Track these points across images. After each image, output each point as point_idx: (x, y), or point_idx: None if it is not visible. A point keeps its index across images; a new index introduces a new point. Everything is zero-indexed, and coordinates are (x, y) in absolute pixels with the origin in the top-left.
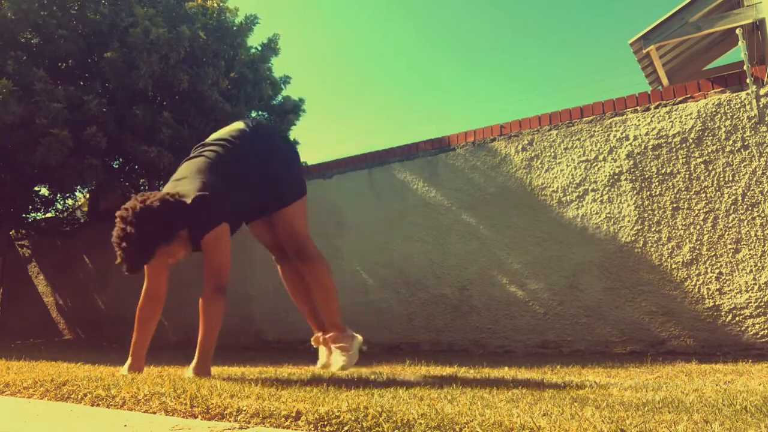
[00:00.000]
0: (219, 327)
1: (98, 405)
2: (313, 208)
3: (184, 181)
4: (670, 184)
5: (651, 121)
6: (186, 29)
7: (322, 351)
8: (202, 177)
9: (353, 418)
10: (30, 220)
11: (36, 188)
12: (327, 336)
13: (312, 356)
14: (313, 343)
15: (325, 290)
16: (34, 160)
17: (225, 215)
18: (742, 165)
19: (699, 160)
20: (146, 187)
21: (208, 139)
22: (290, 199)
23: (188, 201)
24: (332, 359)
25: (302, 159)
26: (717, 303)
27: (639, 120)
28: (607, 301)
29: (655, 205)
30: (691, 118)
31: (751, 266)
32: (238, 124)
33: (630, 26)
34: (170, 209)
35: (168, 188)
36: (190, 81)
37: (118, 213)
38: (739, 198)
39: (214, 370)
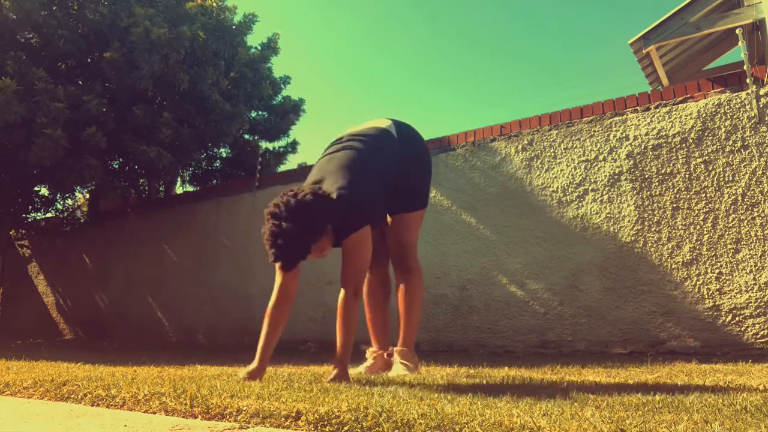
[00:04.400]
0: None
1: (98, 405)
2: None
3: (329, 176)
4: (670, 184)
5: (651, 121)
6: (186, 29)
7: (375, 360)
8: (348, 174)
9: (353, 418)
10: (30, 220)
11: (36, 188)
12: (396, 349)
13: (312, 356)
14: (368, 356)
15: (415, 304)
16: (29, 159)
17: (371, 217)
18: (742, 165)
19: (699, 160)
20: (146, 187)
21: (346, 134)
22: (413, 207)
23: (333, 197)
24: (394, 368)
25: (302, 159)
26: (717, 303)
27: (639, 120)
28: (607, 301)
29: (655, 205)
30: (691, 118)
31: (751, 266)
32: (383, 122)
33: (630, 26)
34: (323, 203)
35: (312, 181)
36: (190, 81)
37: (268, 210)
38: (739, 198)
39: (214, 370)
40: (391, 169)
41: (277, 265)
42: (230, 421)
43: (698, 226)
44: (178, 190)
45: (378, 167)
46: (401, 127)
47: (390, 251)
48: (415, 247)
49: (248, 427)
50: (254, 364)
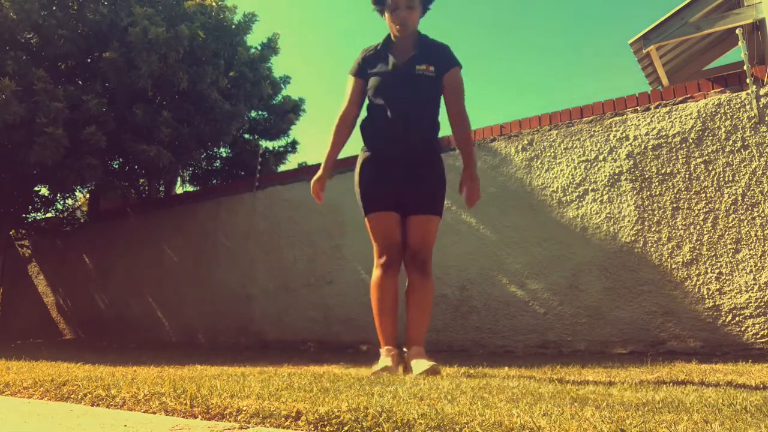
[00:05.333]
0: None
1: (98, 405)
2: (313, 208)
3: None
4: (670, 184)
5: (651, 121)
6: (185, 28)
7: (390, 359)
8: None
9: (353, 418)
10: (30, 220)
11: (36, 188)
12: (410, 350)
13: (312, 356)
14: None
15: (427, 308)
16: (30, 159)
17: None
18: (742, 165)
19: (699, 160)
20: (146, 187)
21: None
22: (442, 210)
23: None
24: (413, 365)
25: (302, 159)
26: (717, 303)
27: (639, 120)
28: (607, 301)
29: (655, 205)
30: (691, 118)
31: (751, 266)
32: None
33: (630, 26)
34: None
35: None
36: (189, 80)
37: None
38: (739, 198)
39: (213, 370)
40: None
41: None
42: (230, 421)
43: (698, 226)
44: (178, 190)
45: None
46: None
47: (414, 253)
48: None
49: (248, 427)
50: (319, 173)
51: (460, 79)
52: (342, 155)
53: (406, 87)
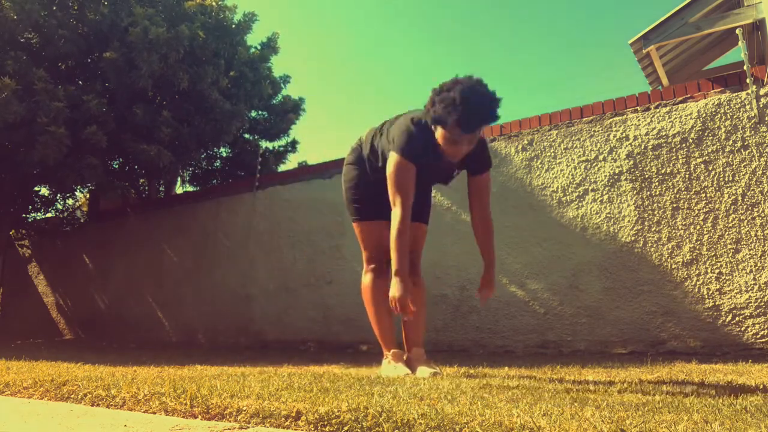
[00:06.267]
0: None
1: (98, 405)
2: (313, 208)
3: None
4: (670, 184)
5: (651, 121)
6: (185, 28)
7: (403, 364)
8: None
9: (353, 418)
10: (30, 220)
11: (36, 188)
12: (410, 353)
13: (312, 356)
14: (395, 357)
15: (423, 307)
16: (32, 158)
17: None
18: (742, 165)
19: (699, 160)
20: (146, 187)
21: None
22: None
23: None
24: (418, 372)
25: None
26: (717, 303)
27: (639, 120)
28: (607, 301)
29: (655, 205)
30: (691, 118)
31: (751, 266)
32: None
33: (630, 26)
34: None
35: None
36: (189, 80)
37: (445, 83)
38: (739, 198)
39: (213, 370)
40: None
41: (399, 201)
42: (230, 421)
43: (698, 226)
44: (178, 190)
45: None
46: None
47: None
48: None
49: (248, 427)
50: (400, 285)
51: (489, 180)
52: (341, 155)
53: (440, 175)
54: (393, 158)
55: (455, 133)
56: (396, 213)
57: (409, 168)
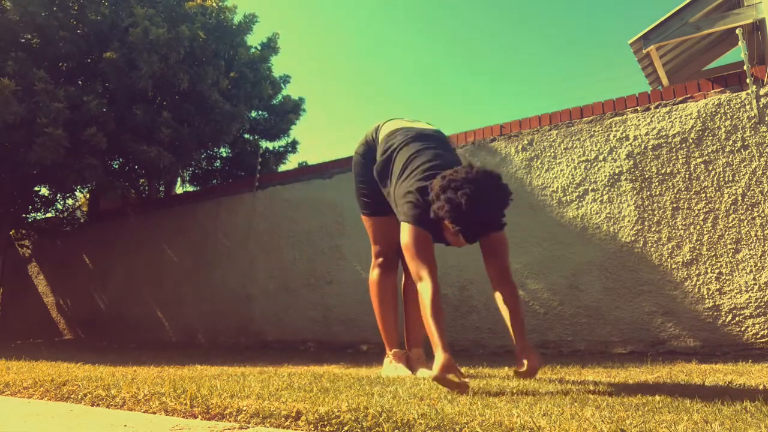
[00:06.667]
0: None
1: (98, 405)
2: (313, 207)
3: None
4: (670, 184)
5: (651, 121)
6: (186, 29)
7: (404, 366)
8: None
9: (353, 418)
10: (30, 220)
11: (36, 188)
12: (411, 352)
13: (312, 356)
14: (396, 357)
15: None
16: (30, 159)
17: None
18: (742, 165)
19: (699, 160)
20: (146, 187)
21: (420, 128)
22: None
23: None
24: (419, 373)
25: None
26: (717, 303)
27: (639, 120)
28: (607, 301)
29: (655, 205)
30: (691, 118)
31: (751, 266)
32: (432, 128)
33: (630, 26)
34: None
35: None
36: (190, 81)
37: (463, 175)
38: (739, 198)
39: (213, 370)
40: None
41: (424, 273)
42: (230, 421)
43: (698, 226)
44: (178, 190)
45: None
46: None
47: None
48: None
49: (248, 427)
50: (443, 356)
51: (506, 238)
52: (341, 155)
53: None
54: (406, 229)
55: (458, 235)
56: (424, 288)
57: (425, 236)
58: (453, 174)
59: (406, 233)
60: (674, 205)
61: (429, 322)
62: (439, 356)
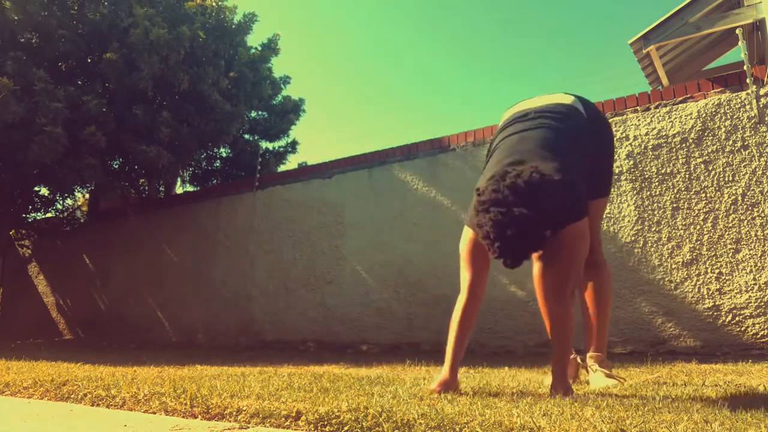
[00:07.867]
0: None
1: (98, 405)
2: (313, 207)
3: (531, 158)
4: (670, 184)
5: (651, 121)
6: (186, 29)
7: (571, 365)
8: (556, 156)
9: (353, 418)
10: (30, 220)
11: (36, 188)
12: (592, 355)
13: (312, 356)
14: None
15: (605, 302)
16: (29, 157)
17: (587, 204)
18: (742, 165)
19: (699, 160)
20: (146, 187)
21: (526, 108)
22: (607, 192)
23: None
24: (595, 379)
25: (302, 159)
26: (717, 303)
27: (639, 120)
28: None
29: (655, 205)
30: (691, 118)
31: (751, 266)
32: (565, 97)
33: (630, 26)
34: (553, 185)
35: (507, 163)
36: (190, 81)
37: (484, 198)
38: (739, 198)
39: (213, 370)
40: (588, 151)
41: (468, 274)
42: (230, 421)
43: (698, 226)
44: (178, 190)
45: (579, 149)
46: (588, 105)
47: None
48: (601, 240)
49: (248, 427)
50: (446, 374)
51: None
52: (341, 155)
53: None
54: (463, 231)
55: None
56: (458, 299)
57: (475, 242)
58: (482, 190)
59: (462, 235)
60: (674, 205)
61: (449, 336)
62: (442, 373)
